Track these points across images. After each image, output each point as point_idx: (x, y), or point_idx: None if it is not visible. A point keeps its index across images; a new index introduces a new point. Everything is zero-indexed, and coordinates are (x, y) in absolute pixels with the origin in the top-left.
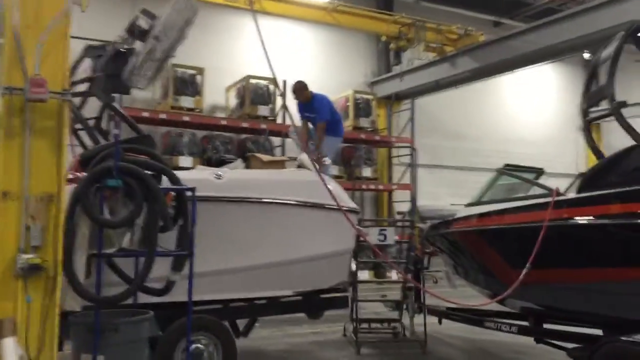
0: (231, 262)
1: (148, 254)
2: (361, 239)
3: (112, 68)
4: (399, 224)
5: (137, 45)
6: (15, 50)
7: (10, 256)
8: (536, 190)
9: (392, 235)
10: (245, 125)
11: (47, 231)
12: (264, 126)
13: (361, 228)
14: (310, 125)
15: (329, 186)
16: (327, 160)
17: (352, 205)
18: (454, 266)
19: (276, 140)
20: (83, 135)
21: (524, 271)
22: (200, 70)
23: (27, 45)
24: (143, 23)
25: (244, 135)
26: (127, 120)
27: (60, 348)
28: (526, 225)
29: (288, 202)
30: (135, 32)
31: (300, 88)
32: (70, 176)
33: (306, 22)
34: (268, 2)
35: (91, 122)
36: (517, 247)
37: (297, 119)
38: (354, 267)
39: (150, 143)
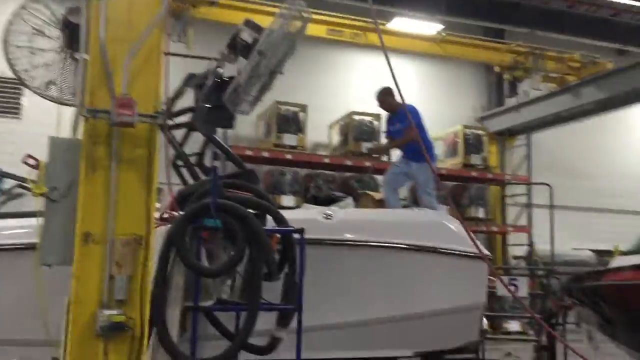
0: (341, 316)
1: (250, 308)
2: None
3: (214, 99)
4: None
5: (240, 61)
6: (101, 67)
7: (90, 311)
8: None
9: (524, 286)
10: (348, 162)
11: (134, 282)
12: (368, 164)
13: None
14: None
15: (452, 227)
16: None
17: (483, 250)
18: (600, 324)
19: (381, 179)
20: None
21: None
22: (304, 108)
23: (114, 61)
24: (246, 36)
25: (347, 174)
26: (230, 155)
27: None
28: None
29: (409, 246)
30: (237, 46)
31: (383, 93)
32: (165, 215)
33: (407, 54)
34: (374, 35)
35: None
36: None
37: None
38: (485, 324)
39: (254, 179)
